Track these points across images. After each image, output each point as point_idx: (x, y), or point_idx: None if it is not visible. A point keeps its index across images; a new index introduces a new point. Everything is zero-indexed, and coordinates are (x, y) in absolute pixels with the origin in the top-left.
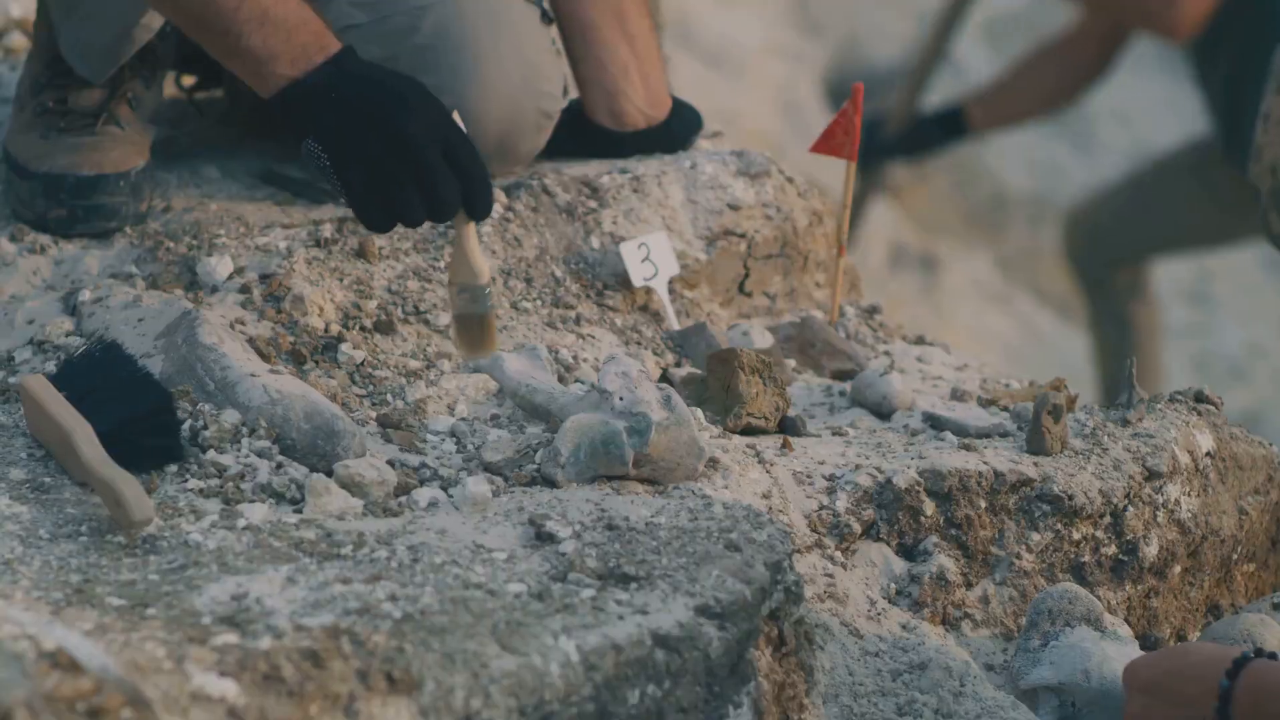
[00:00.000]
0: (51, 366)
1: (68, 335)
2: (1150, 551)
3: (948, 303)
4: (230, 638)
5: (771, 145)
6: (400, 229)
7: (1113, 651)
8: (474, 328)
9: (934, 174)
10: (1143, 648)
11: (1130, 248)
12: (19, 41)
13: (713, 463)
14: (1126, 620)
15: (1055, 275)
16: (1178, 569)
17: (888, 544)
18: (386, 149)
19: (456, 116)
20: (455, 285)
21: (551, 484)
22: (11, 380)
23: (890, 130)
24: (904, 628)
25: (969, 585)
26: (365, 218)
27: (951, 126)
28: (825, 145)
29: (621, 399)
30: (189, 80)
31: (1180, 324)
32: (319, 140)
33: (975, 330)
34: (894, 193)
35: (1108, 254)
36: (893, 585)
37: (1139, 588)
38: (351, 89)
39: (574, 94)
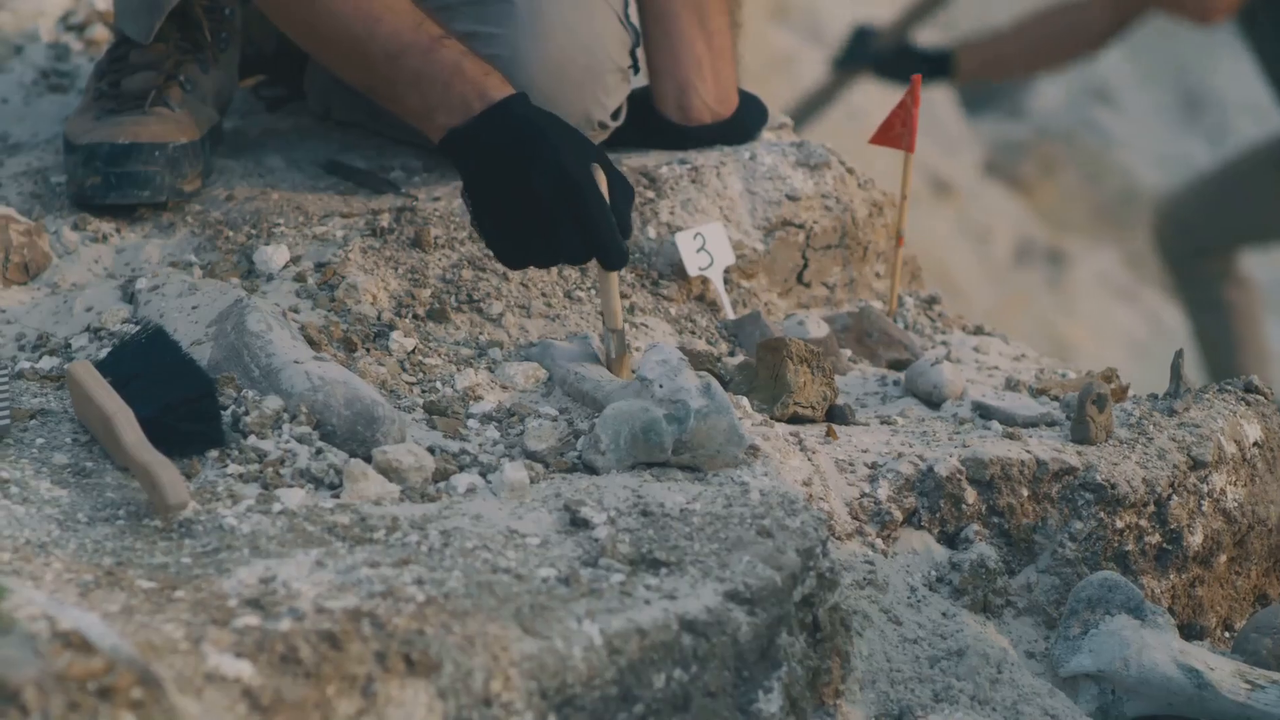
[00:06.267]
0: (105, 353)
1: (123, 322)
2: (1195, 540)
3: (1074, 298)
4: (252, 620)
5: None
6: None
7: (1152, 640)
8: (613, 369)
9: (1063, 169)
10: (1185, 637)
11: (1216, 237)
12: (101, 34)
13: (753, 450)
14: (1171, 609)
15: None
16: (1224, 558)
17: (929, 531)
18: (514, 201)
19: (598, 172)
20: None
21: (592, 471)
22: (66, 366)
23: (878, 44)
24: (943, 615)
25: (1011, 573)
26: (499, 257)
27: (936, 68)
28: (883, 137)
29: (661, 386)
30: (256, 80)
31: None
32: (466, 185)
33: (1101, 326)
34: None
35: (1194, 243)
36: (933, 572)
37: (1183, 576)
38: (494, 139)
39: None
